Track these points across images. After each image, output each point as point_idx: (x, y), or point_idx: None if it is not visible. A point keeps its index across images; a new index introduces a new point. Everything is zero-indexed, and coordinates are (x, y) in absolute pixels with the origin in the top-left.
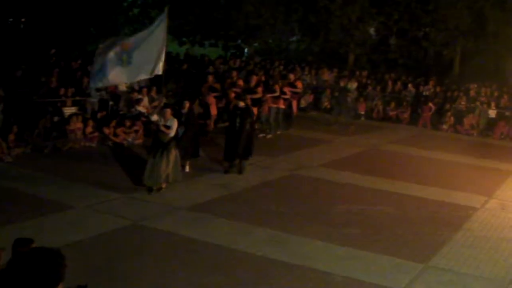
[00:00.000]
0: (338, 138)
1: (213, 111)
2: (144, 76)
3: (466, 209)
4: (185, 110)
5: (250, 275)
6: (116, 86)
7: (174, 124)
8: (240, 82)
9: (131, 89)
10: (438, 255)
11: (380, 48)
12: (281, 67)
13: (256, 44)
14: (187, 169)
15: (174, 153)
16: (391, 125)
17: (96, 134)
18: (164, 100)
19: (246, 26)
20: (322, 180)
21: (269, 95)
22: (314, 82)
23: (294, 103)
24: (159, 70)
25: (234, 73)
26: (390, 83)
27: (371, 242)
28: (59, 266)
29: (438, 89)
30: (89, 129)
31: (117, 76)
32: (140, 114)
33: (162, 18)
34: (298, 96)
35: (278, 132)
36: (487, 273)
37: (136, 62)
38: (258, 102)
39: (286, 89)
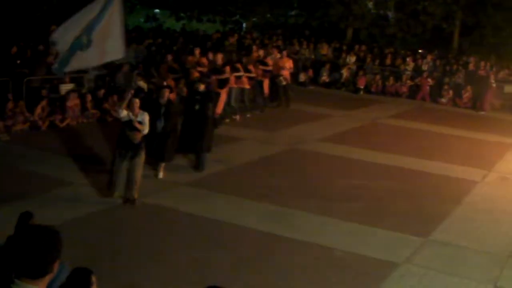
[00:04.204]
0: (338, 112)
1: (172, 95)
2: (113, 58)
3: (467, 182)
4: (163, 100)
5: (251, 251)
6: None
7: (146, 118)
8: (204, 60)
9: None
10: (438, 229)
11: (379, 22)
12: (280, 42)
13: (254, 19)
14: (160, 175)
15: (143, 157)
16: (390, 99)
17: (94, 111)
18: (132, 91)
19: (244, 0)
20: (323, 155)
21: (233, 75)
22: (313, 57)
23: (266, 82)
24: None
25: (197, 50)
26: (389, 57)
27: (372, 217)
28: (55, 244)
29: (438, 62)
30: (88, 105)
31: (80, 61)
32: (139, 89)
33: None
34: (269, 74)
35: (248, 115)
36: (487, 247)
37: (97, 42)
38: (225, 83)
39: (251, 67)
